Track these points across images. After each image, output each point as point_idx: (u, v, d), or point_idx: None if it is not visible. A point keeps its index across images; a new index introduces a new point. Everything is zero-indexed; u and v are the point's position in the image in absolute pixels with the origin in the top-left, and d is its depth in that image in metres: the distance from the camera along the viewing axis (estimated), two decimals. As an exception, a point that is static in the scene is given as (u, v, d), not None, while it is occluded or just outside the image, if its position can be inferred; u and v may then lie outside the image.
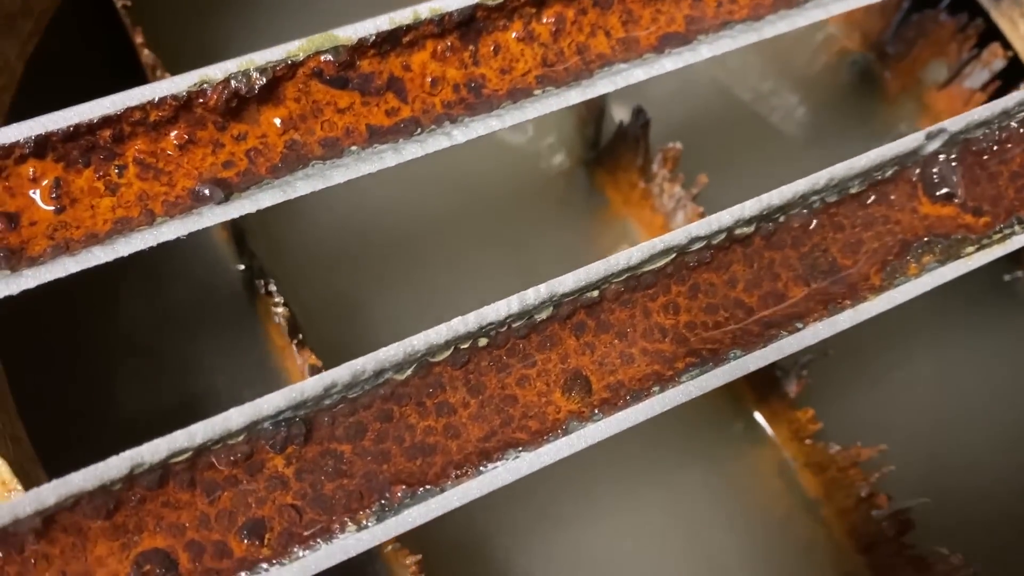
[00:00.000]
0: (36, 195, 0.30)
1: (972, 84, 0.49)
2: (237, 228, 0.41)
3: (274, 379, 0.42)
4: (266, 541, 0.27)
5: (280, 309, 0.36)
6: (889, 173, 0.34)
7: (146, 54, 0.42)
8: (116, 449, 0.26)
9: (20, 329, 0.34)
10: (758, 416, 0.44)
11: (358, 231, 0.48)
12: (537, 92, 0.34)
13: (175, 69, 0.41)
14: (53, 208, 0.30)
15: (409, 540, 0.35)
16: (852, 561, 0.41)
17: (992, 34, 0.48)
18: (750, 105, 0.55)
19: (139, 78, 0.44)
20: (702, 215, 0.43)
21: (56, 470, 0.31)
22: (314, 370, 0.36)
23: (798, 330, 0.31)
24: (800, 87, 0.56)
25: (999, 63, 0.48)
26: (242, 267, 0.44)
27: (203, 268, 0.44)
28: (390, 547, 0.35)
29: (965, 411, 0.46)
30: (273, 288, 0.37)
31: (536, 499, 0.42)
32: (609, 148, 0.48)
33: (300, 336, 0.37)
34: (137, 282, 0.43)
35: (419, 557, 0.33)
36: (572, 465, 0.36)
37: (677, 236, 0.31)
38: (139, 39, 0.42)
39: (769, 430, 0.44)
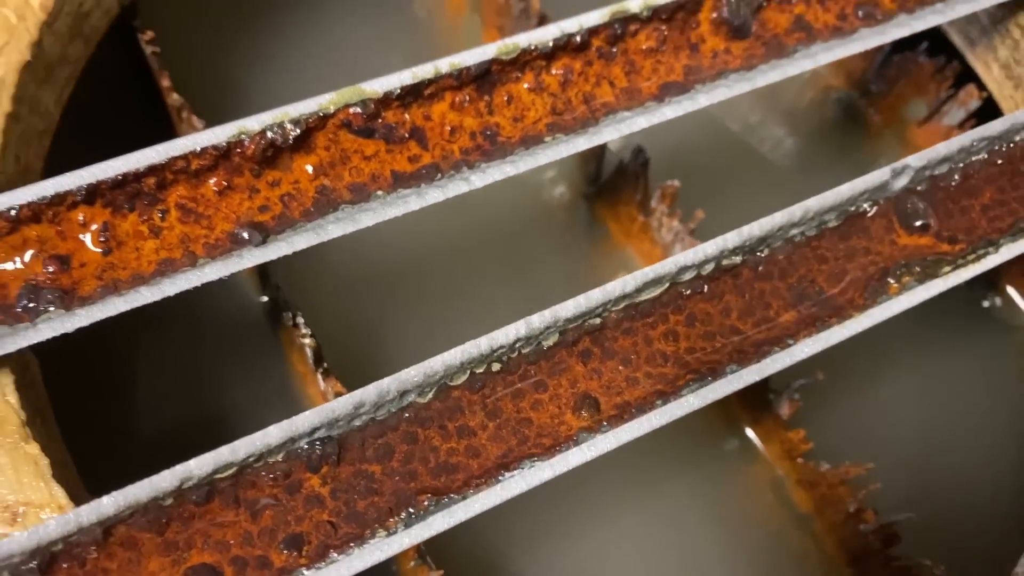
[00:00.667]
0: (86, 239, 0.33)
1: (950, 122, 0.52)
2: (262, 264, 0.44)
3: (296, 405, 0.45)
4: (304, 552, 0.29)
5: (307, 340, 0.39)
6: (864, 207, 0.36)
7: (174, 97, 0.44)
8: (139, 473, 0.29)
9: (51, 358, 0.37)
10: (752, 436, 0.47)
11: (371, 262, 0.50)
12: (548, 139, 0.37)
13: (199, 109, 0.44)
14: (101, 250, 0.33)
15: (428, 557, 0.37)
16: (841, 574, 0.44)
17: (968, 75, 0.51)
18: (740, 137, 0.58)
19: (166, 120, 0.47)
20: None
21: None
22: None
23: (790, 346, 0.34)
24: (788, 122, 0.59)
25: (975, 103, 0.51)
26: (265, 299, 0.46)
27: (227, 299, 0.47)
28: (412, 563, 0.37)
29: (948, 430, 0.49)
30: (300, 320, 0.40)
31: (544, 517, 0.44)
32: (610, 183, 0.51)
33: (325, 365, 0.40)
34: (164, 311, 0.46)
35: (441, 573, 0.36)
36: (577, 485, 0.39)
37: (667, 265, 0.34)
38: (166, 83, 0.45)
39: (763, 449, 0.46)
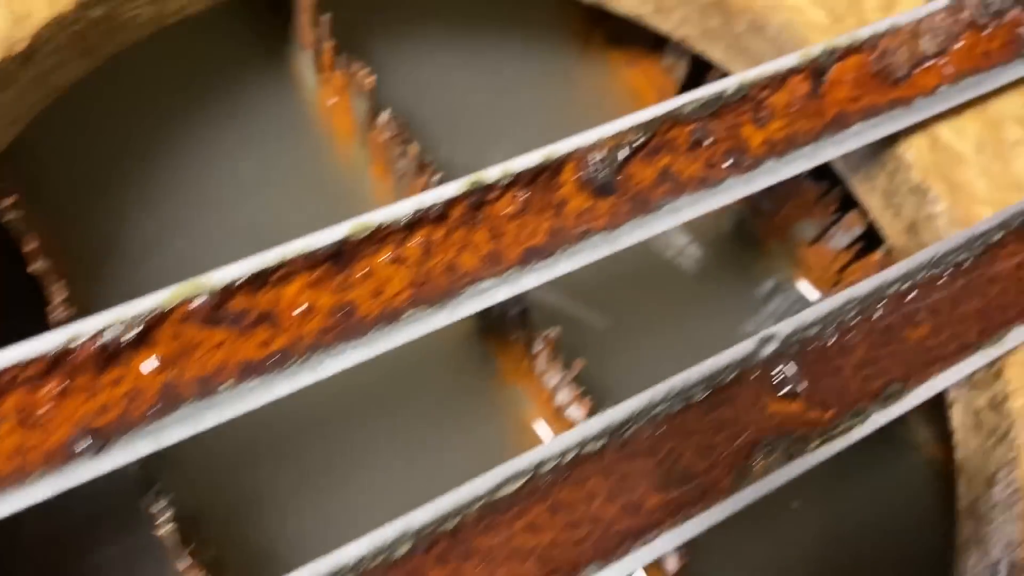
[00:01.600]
0: (-90, 453, 0.31)
1: (837, 245, 0.53)
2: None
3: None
4: None
5: (169, 526, 0.37)
6: (731, 377, 0.36)
7: (39, 263, 0.43)
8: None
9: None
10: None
11: (251, 428, 0.48)
12: (408, 313, 0.36)
13: (74, 270, 0.43)
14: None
15: None
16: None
17: (852, 200, 0.51)
18: (646, 243, 0.58)
19: (36, 284, 0.46)
20: (583, 393, 0.45)
21: None
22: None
23: (654, 539, 0.33)
24: (691, 231, 0.59)
25: (858, 228, 0.51)
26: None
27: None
28: None
29: (848, 550, 0.49)
30: (163, 502, 0.38)
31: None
32: (496, 324, 0.50)
33: (193, 545, 0.38)
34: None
35: None
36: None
37: (524, 461, 0.33)
38: (32, 245, 0.43)
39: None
